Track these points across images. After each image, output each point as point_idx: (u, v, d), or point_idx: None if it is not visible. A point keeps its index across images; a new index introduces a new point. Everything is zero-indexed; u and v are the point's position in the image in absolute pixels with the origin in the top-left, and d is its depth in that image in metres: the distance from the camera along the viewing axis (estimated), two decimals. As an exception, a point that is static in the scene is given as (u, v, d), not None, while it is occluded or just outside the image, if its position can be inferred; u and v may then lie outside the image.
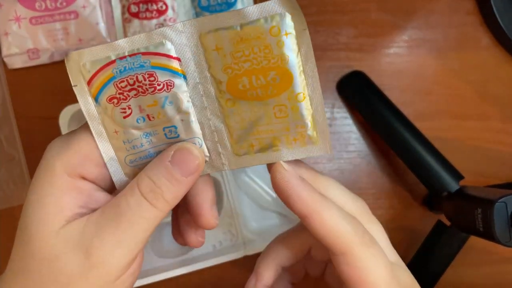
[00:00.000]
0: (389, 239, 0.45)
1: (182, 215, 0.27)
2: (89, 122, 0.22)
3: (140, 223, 0.20)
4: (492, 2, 0.44)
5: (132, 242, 0.21)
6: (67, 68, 0.21)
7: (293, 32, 0.21)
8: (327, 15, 0.45)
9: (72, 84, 0.21)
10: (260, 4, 0.20)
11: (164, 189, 0.21)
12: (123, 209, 0.21)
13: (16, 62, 0.43)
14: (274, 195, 0.44)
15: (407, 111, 0.43)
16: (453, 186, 0.39)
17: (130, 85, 0.21)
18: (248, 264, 0.43)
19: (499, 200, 0.32)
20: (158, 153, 0.23)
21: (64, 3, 0.43)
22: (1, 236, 0.43)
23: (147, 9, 0.44)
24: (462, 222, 0.37)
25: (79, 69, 0.21)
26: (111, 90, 0.21)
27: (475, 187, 0.39)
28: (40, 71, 0.44)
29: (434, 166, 0.40)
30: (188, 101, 0.22)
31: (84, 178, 0.22)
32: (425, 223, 0.44)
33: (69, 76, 0.21)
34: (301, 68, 0.22)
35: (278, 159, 0.23)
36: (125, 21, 0.44)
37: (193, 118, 0.22)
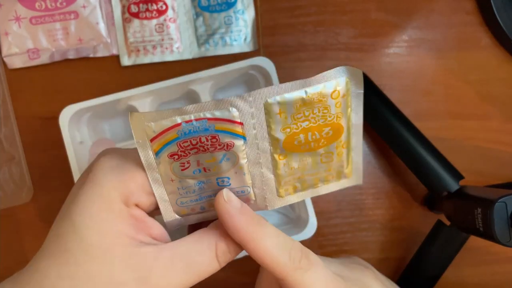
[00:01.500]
0: (389, 239, 0.45)
1: None
2: (147, 171, 0.23)
3: (203, 276, 0.23)
4: (492, 2, 0.44)
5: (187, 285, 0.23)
6: (131, 125, 0.22)
7: (351, 93, 0.23)
8: (327, 15, 0.45)
9: (135, 140, 0.22)
10: (326, 72, 0.22)
11: (233, 253, 0.24)
12: (197, 265, 0.23)
13: (16, 62, 0.44)
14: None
15: (407, 111, 0.43)
16: (453, 186, 0.39)
17: (193, 145, 0.22)
18: (248, 265, 0.43)
19: (499, 200, 0.32)
20: (207, 197, 0.24)
21: (64, 3, 0.43)
22: (1, 236, 0.43)
23: (147, 9, 0.44)
24: (462, 222, 0.37)
25: (143, 128, 0.22)
26: (173, 148, 0.22)
27: (475, 187, 0.39)
28: (40, 71, 0.44)
29: (434, 166, 0.40)
30: (244, 158, 0.23)
31: (138, 206, 0.23)
32: (425, 223, 0.44)
33: (133, 132, 0.22)
34: (351, 121, 0.24)
35: (315, 194, 0.26)
36: (125, 21, 0.44)
37: (246, 171, 0.24)
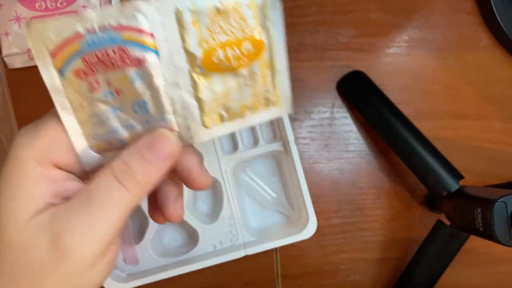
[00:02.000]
0: (389, 238, 0.46)
1: (160, 189, 0.26)
2: (52, 95, 0.21)
3: (111, 207, 0.20)
4: (492, 2, 0.44)
5: (104, 228, 0.20)
6: (29, 39, 0.20)
7: (268, 2, 0.21)
8: (327, 15, 0.46)
9: (35, 57, 0.20)
10: None
11: (136, 171, 0.20)
12: (94, 192, 0.20)
13: (16, 62, 0.43)
14: (274, 195, 0.44)
15: (407, 110, 0.43)
16: (453, 185, 0.39)
17: (100, 59, 0.20)
18: (248, 264, 0.43)
19: (499, 200, 0.32)
20: (125, 129, 0.22)
21: (65, 3, 0.43)
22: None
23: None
24: (462, 222, 0.37)
25: (43, 40, 0.20)
26: (78, 64, 0.20)
27: (475, 186, 0.39)
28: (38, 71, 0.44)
29: (434, 166, 0.40)
30: (159, 77, 0.21)
31: (56, 166, 0.21)
32: (425, 222, 0.44)
33: (31, 47, 0.20)
34: (272, 38, 0.22)
35: (245, 124, 0.23)
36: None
37: (164, 93, 0.22)
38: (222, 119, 0.23)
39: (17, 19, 0.43)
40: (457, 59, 0.46)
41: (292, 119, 0.45)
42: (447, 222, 0.40)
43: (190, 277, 0.40)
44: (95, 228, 0.20)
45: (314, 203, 0.40)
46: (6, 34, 0.43)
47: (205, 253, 0.42)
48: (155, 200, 0.26)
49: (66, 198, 0.21)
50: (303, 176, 0.40)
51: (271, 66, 0.23)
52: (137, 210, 0.42)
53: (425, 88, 0.46)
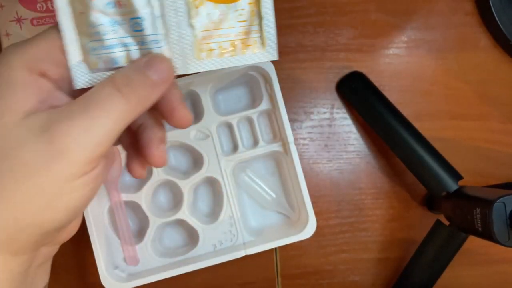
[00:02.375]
0: (388, 238, 0.46)
1: (143, 132, 0.26)
2: (55, 1, 0.21)
3: (110, 114, 0.20)
4: (491, 3, 0.44)
5: (100, 134, 0.20)
6: None
7: None
8: (327, 16, 0.46)
9: None
10: None
11: (138, 86, 0.21)
12: (93, 98, 0.20)
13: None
14: (274, 195, 0.44)
15: (406, 111, 0.43)
16: (452, 186, 0.39)
17: None
18: (248, 264, 0.44)
19: (498, 200, 0.33)
20: (121, 47, 0.22)
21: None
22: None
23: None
24: (461, 222, 0.38)
25: None
26: None
27: (474, 187, 0.39)
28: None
29: (433, 166, 0.40)
30: None
31: (44, 76, 0.21)
32: (424, 222, 0.44)
33: None
34: None
35: (232, 64, 0.25)
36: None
37: (159, 14, 0.23)
38: (212, 54, 0.24)
39: (18, 20, 0.43)
40: (457, 60, 0.46)
41: (292, 119, 0.45)
42: (446, 222, 0.40)
43: (190, 276, 0.41)
44: (92, 132, 0.20)
45: (313, 203, 0.40)
46: (7, 35, 0.43)
47: (205, 253, 0.42)
48: (135, 147, 0.26)
49: (53, 107, 0.21)
50: (303, 176, 0.40)
51: (258, 6, 0.24)
52: (137, 210, 0.42)
53: (425, 88, 0.46)
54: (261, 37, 0.25)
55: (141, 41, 0.23)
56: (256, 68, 0.41)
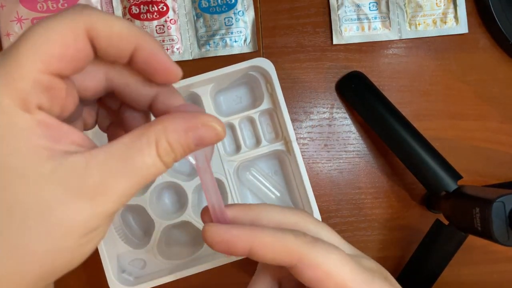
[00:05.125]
0: (388, 238, 0.46)
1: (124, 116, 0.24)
2: None
3: (148, 178, 0.20)
4: (490, 3, 0.44)
5: (133, 193, 0.20)
6: None
7: None
8: (327, 16, 0.46)
9: None
10: None
11: (178, 155, 0.20)
12: (137, 165, 0.19)
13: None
14: (278, 193, 0.44)
15: (406, 111, 0.43)
16: (451, 185, 0.40)
17: None
18: (249, 266, 0.44)
19: (497, 200, 0.33)
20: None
21: (66, 5, 0.43)
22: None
23: (148, 10, 0.44)
24: (460, 222, 0.38)
25: None
26: None
27: (473, 186, 0.39)
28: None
29: (432, 165, 0.40)
30: None
31: (41, 108, 0.18)
32: (424, 222, 0.44)
33: None
34: None
35: (432, 34, 0.45)
36: (126, 22, 0.44)
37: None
38: (418, 27, 0.45)
39: (19, 20, 0.43)
40: (456, 60, 0.46)
41: (292, 119, 0.45)
42: (446, 222, 0.40)
43: (190, 279, 0.40)
44: (127, 194, 0.19)
45: (313, 202, 0.41)
46: (8, 35, 0.43)
47: (206, 254, 0.42)
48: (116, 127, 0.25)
49: (73, 141, 0.19)
50: (306, 174, 0.40)
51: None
52: (143, 213, 0.42)
53: (424, 88, 0.46)
54: (455, 17, 0.45)
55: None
56: (256, 68, 0.41)
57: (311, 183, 0.40)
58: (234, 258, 0.40)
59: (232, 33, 0.45)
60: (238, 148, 0.43)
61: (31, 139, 0.18)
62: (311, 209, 0.40)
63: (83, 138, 0.19)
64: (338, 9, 0.45)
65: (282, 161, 0.44)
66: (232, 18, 0.45)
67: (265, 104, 0.42)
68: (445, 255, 0.41)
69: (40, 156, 0.18)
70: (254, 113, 0.43)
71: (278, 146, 0.42)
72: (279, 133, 0.43)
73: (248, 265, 0.44)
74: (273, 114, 0.43)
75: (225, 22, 0.45)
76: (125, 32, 0.19)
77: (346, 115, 0.46)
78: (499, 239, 0.33)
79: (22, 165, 0.17)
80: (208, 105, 0.42)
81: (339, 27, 0.45)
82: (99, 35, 0.19)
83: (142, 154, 0.19)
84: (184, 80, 0.40)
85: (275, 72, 0.40)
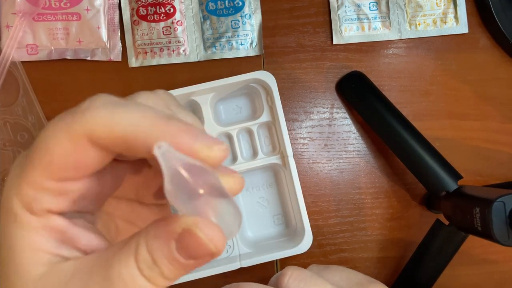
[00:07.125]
0: (388, 238, 0.46)
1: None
2: None
3: None
4: (490, 3, 0.44)
5: None
6: None
7: None
8: (327, 16, 0.46)
9: None
10: None
11: (164, 269, 0.17)
12: (114, 279, 0.17)
13: (14, 56, 0.43)
14: (272, 206, 0.44)
15: (406, 111, 0.43)
16: (452, 185, 0.39)
17: None
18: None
19: (497, 200, 0.33)
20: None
21: (68, 4, 0.43)
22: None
23: (155, 12, 0.44)
24: (460, 222, 0.38)
25: None
26: None
27: (473, 186, 0.39)
28: (37, 67, 0.44)
29: (432, 165, 0.40)
30: None
31: (52, 212, 0.18)
32: (424, 222, 0.44)
33: None
34: None
35: (431, 34, 0.47)
36: (134, 23, 0.44)
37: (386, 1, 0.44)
38: (418, 27, 0.45)
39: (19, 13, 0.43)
40: (456, 60, 0.46)
41: (292, 119, 0.45)
42: (446, 222, 0.40)
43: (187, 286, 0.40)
44: None
45: (313, 202, 0.40)
46: (7, 26, 0.43)
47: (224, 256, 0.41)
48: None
49: (77, 246, 0.19)
50: (301, 190, 0.40)
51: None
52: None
53: (424, 88, 0.46)
54: (455, 17, 0.44)
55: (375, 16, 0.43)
56: (257, 80, 0.41)
57: (311, 183, 0.40)
58: (224, 270, 0.39)
59: (238, 36, 0.45)
60: (234, 158, 0.43)
61: (34, 241, 0.18)
62: (303, 225, 0.40)
63: (91, 239, 0.19)
64: (338, 9, 0.45)
65: (277, 175, 0.44)
66: (239, 21, 0.45)
67: (265, 117, 0.42)
68: (445, 255, 0.41)
69: (37, 259, 0.18)
70: (252, 125, 0.42)
71: (275, 159, 0.42)
72: (277, 147, 0.43)
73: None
74: (271, 127, 0.43)
75: (231, 25, 0.45)
76: (130, 131, 0.17)
77: (346, 115, 0.46)
78: (499, 239, 0.33)
79: (19, 262, 0.18)
80: (208, 114, 0.42)
81: (339, 27, 0.45)
82: (101, 141, 0.17)
83: (119, 265, 0.17)
84: (184, 88, 0.40)
85: (276, 86, 0.40)
